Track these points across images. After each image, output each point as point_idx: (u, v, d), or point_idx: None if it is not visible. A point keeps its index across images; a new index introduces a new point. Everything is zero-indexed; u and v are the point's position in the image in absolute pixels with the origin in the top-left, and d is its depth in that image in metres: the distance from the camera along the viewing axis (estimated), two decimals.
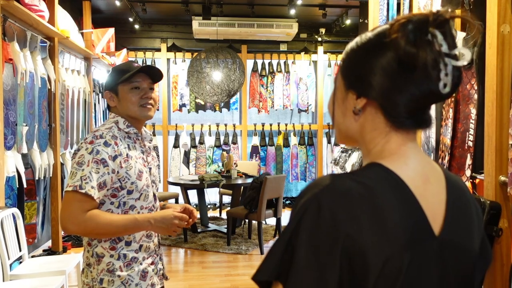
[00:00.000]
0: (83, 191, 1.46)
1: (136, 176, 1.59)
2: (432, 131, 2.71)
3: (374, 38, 0.75)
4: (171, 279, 4.21)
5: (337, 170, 6.09)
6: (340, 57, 7.46)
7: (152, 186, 1.69)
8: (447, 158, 2.45)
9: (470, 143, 2.31)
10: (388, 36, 0.72)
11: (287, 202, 7.47)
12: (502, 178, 2.02)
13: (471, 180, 2.40)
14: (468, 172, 2.36)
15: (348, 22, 6.67)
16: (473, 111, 2.32)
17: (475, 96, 2.32)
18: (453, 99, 2.54)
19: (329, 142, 7.66)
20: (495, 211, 1.95)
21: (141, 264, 1.60)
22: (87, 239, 1.59)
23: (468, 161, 2.34)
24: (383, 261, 0.67)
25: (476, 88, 2.31)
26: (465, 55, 0.70)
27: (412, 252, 0.69)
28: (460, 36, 2.53)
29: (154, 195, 1.71)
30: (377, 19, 3.62)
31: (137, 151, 1.65)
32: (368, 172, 0.73)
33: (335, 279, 0.66)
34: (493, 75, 2.03)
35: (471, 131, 2.28)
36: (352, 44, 0.79)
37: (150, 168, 1.70)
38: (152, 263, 1.65)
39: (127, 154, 1.58)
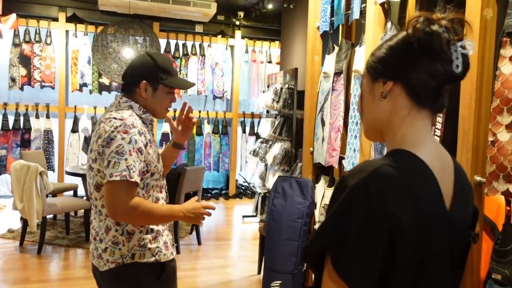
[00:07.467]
0: (132, 179, 1.53)
1: (157, 159, 1.70)
2: None
3: (400, 35, 0.91)
4: None
5: (256, 161, 5.81)
6: (258, 43, 7.23)
7: None
8: None
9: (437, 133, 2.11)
10: (408, 27, 0.88)
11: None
12: (478, 178, 1.85)
13: None
14: None
15: (270, 6, 6.38)
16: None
17: None
18: None
19: (244, 131, 7.36)
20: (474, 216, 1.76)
21: (162, 236, 1.73)
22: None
23: None
24: (416, 234, 0.83)
25: None
26: (471, 44, 0.86)
27: (433, 225, 0.85)
28: None
29: (163, 174, 1.84)
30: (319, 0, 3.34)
31: (151, 134, 1.73)
32: (401, 158, 0.87)
33: (383, 252, 0.81)
34: (473, 64, 1.83)
35: (438, 125, 2.08)
36: (383, 45, 0.94)
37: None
38: (167, 235, 1.78)
39: (149, 140, 1.67)
